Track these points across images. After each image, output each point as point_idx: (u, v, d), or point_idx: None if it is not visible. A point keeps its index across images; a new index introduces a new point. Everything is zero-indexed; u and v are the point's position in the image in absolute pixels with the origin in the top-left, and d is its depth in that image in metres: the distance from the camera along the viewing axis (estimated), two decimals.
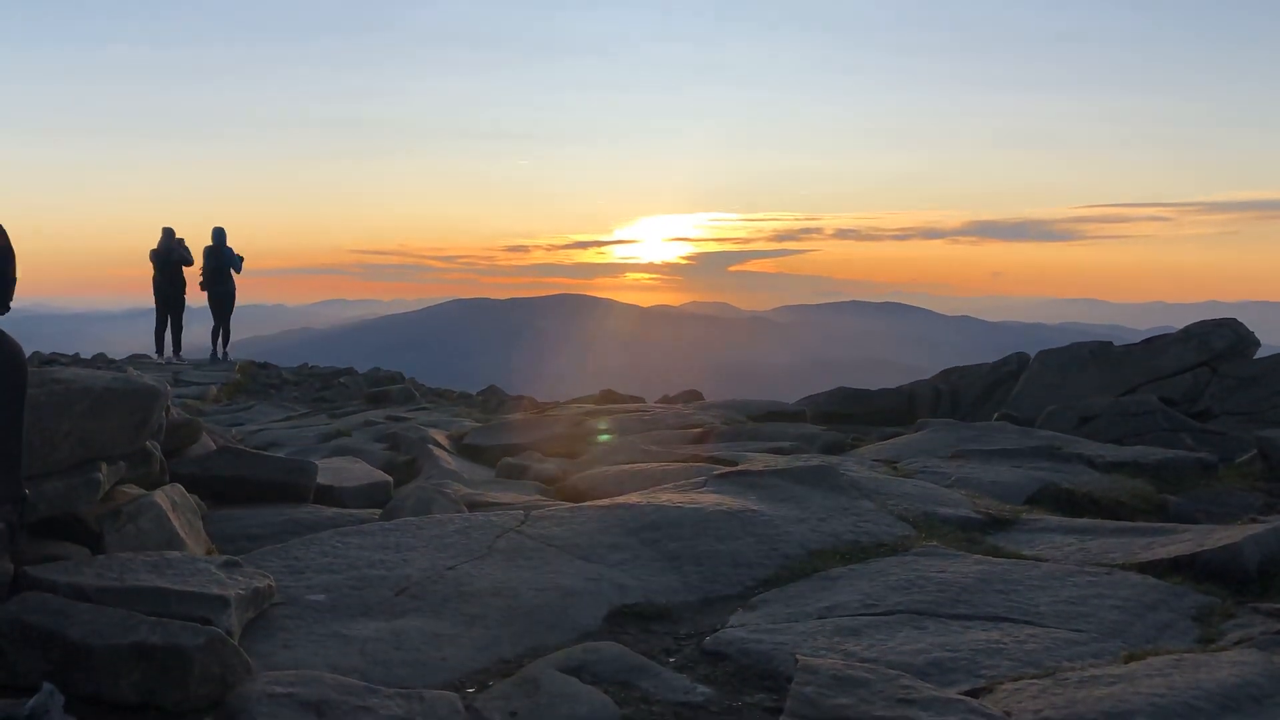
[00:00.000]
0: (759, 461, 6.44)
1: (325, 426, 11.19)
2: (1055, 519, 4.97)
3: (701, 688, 2.91)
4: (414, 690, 2.68)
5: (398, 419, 11.31)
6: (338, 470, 6.49)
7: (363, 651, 3.03)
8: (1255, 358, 13.62)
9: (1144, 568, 3.91)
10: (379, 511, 5.20)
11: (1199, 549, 3.97)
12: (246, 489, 5.35)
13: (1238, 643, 3.09)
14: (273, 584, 3.33)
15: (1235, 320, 14.13)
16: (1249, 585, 3.74)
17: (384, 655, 3.02)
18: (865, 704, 2.50)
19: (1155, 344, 14.05)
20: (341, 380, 18.43)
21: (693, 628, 3.45)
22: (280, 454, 7.09)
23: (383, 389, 15.67)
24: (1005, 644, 3.10)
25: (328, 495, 5.77)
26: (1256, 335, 14.01)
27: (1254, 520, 4.71)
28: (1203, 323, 14.14)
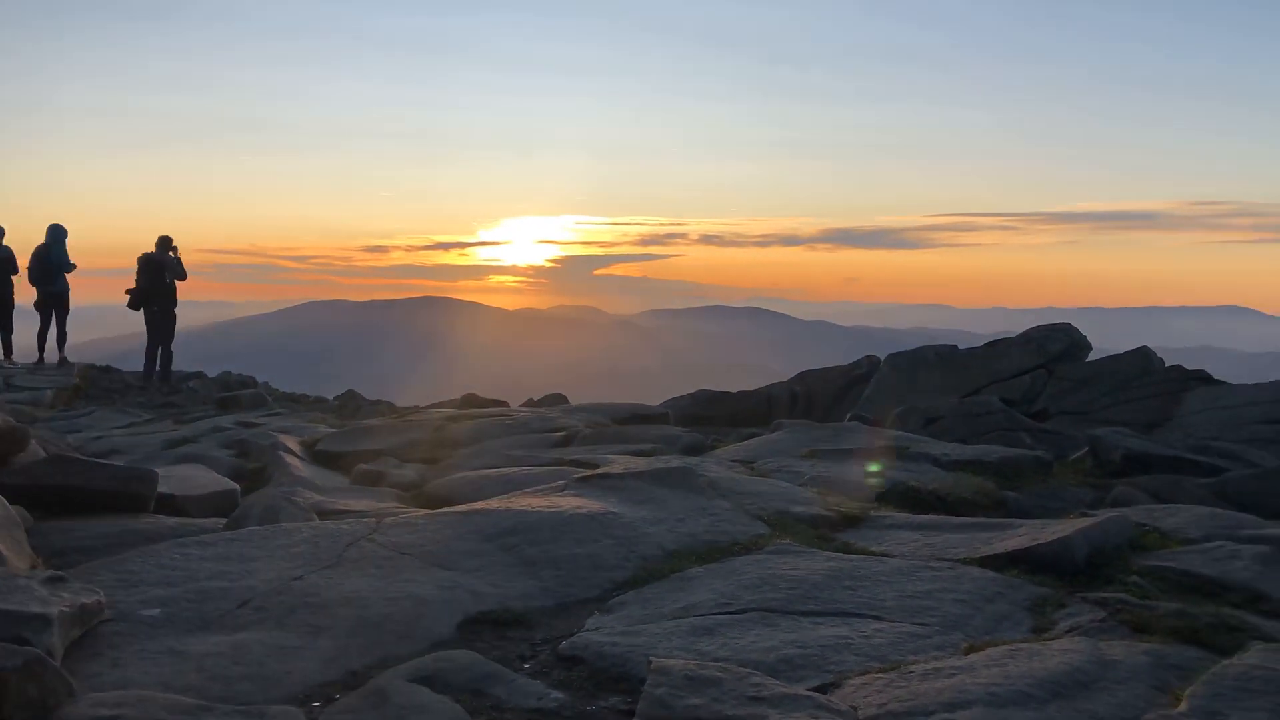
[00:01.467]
0: (620, 464, 6.45)
1: (171, 433, 10.72)
2: (903, 516, 5.12)
3: (555, 693, 2.88)
4: (254, 707, 2.57)
5: (248, 425, 10.92)
6: (182, 478, 6.20)
7: (200, 668, 2.89)
8: (1087, 360, 14.41)
9: (984, 562, 4.07)
10: (224, 521, 4.99)
11: (1034, 543, 4.15)
12: (80, 499, 5.05)
13: (1068, 631, 3.25)
14: (102, 599, 3.15)
15: (1070, 325, 14.93)
16: (1079, 576, 3.93)
17: (223, 671, 2.89)
18: (716, 703, 2.52)
19: (997, 347, 14.74)
20: (189, 385, 17.68)
21: (549, 633, 3.42)
22: (120, 462, 6.74)
23: (233, 394, 15.09)
24: (853, 639, 3.17)
25: (170, 505, 5.51)
26: (1089, 340, 14.83)
27: (1084, 514, 4.97)
28: (1040, 327, 14.90)
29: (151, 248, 16.83)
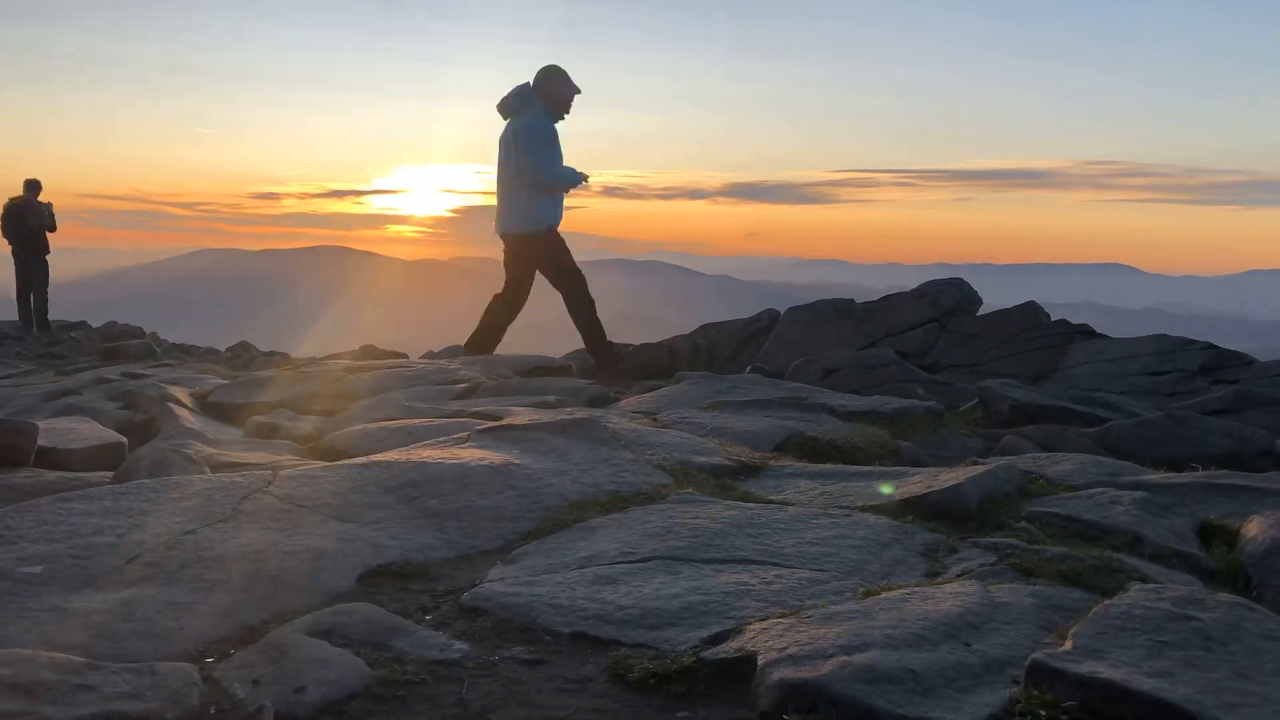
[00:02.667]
0: (524, 415, 6.41)
1: (52, 385, 10.30)
2: (801, 465, 5.21)
3: (458, 644, 2.86)
4: (144, 663, 2.49)
5: (135, 376, 10.54)
6: (63, 431, 5.97)
7: (86, 626, 2.79)
8: (978, 315, 14.84)
9: (880, 509, 4.16)
10: (111, 475, 4.82)
11: (928, 490, 4.27)
12: None
13: (960, 575, 3.35)
14: None
15: (962, 280, 15.34)
16: (970, 521, 4.06)
17: (112, 628, 2.79)
18: None
19: (892, 301, 15.06)
20: (72, 335, 16.99)
21: (451, 584, 3.39)
22: None
23: (119, 344, 14.57)
24: (754, 586, 3.22)
25: (51, 458, 5.30)
26: (980, 294, 15.25)
27: (975, 463, 5.12)
28: (933, 282, 15.27)
29: (18, 192, 16.07)
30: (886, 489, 4.24)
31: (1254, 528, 3.84)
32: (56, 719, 2.16)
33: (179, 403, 7.96)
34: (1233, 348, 12.68)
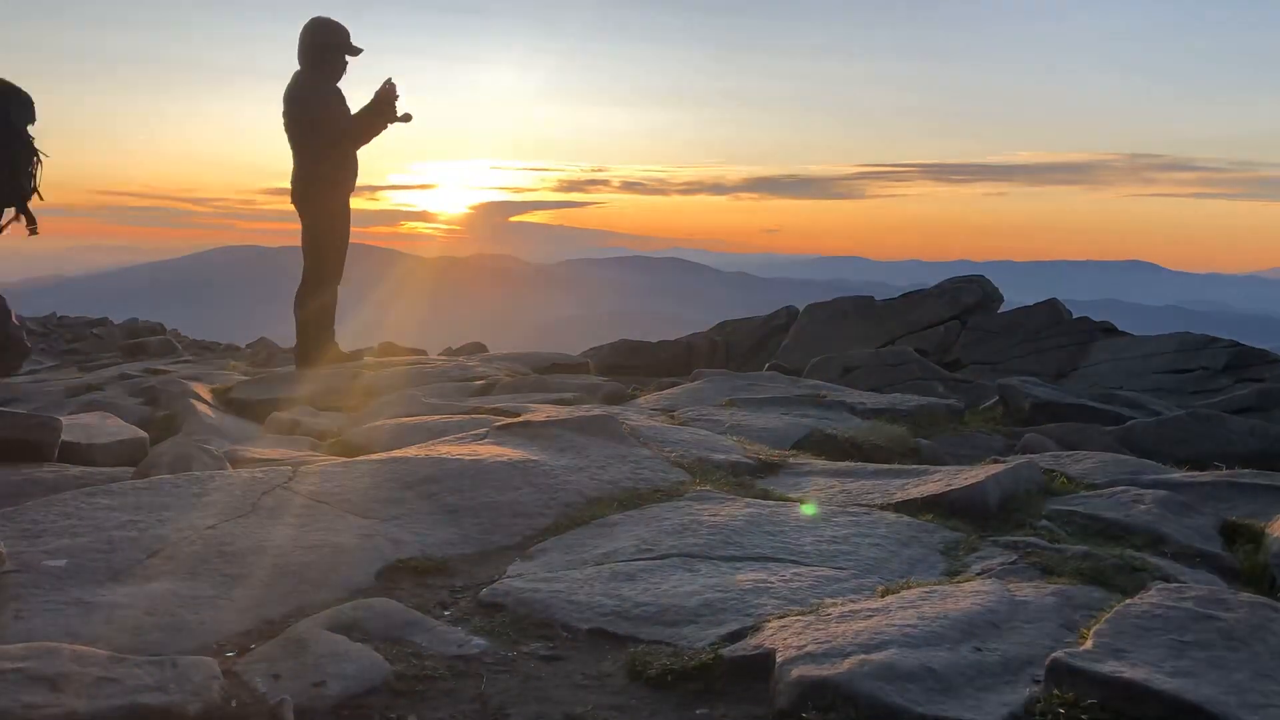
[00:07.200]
0: (542, 412, 6.42)
1: (75, 380, 10.38)
2: (820, 462, 5.19)
3: (477, 640, 2.87)
4: (167, 657, 2.51)
5: (157, 372, 10.61)
6: (86, 427, 6.01)
7: (110, 619, 2.82)
8: (999, 312, 14.76)
9: (899, 507, 4.15)
10: (133, 470, 4.86)
11: (948, 488, 4.24)
12: None
13: (980, 574, 3.34)
14: (3, 551, 3.04)
15: (983, 277, 15.25)
16: (990, 520, 4.03)
17: (134, 622, 2.82)
18: None
19: (912, 298, 14.99)
20: (95, 332, 17.13)
21: (470, 580, 3.40)
22: (21, 410, 6.50)
23: (141, 340, 14.66)
24: (772, 583, 3.21)
25: (75, 453, 5.35)
26: (1001, 292, 15.17)
27: (995, 461, 5.09)
28: (954, 279, 15.20)
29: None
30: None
31: (1279, 527, 3.81)
32: (80, 711, 2.18)
33: (200, 399, 8.01)
34: (1258, 346, 12.55)
